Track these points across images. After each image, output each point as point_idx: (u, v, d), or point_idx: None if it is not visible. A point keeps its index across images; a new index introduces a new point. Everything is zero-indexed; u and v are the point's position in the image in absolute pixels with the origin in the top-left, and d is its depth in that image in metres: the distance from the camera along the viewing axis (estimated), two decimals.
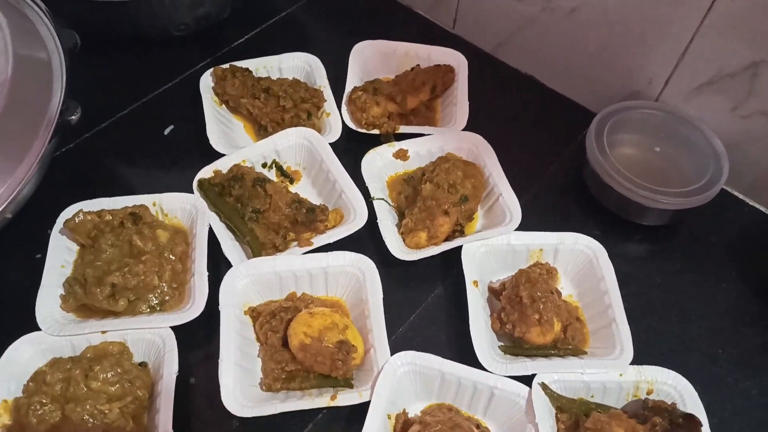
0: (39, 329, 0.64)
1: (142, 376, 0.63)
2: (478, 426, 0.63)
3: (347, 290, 0.71)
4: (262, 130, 0.86)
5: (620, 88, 0.87)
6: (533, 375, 0.64)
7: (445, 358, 0.64)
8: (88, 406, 0.60)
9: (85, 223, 0.70)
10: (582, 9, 0.85)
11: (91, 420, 0.60)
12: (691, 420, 0.61)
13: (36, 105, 0.68)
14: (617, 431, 0.59)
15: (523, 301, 0.67)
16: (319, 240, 0.73)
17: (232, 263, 0.71)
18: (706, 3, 0.73)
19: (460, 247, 0.73)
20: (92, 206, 0.73)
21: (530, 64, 0.96)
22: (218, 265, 0.72)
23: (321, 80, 0.89)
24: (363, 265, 0.70)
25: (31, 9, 0.74)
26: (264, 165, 0.81)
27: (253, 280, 0.70)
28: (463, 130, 0.84)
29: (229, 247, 0.73)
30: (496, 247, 0.74)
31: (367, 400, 0.62)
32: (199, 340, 0.67)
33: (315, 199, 0.79)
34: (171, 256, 0.71)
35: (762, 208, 0.83)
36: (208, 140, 0.81)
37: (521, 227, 0.74)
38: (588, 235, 0.74)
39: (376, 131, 0.84)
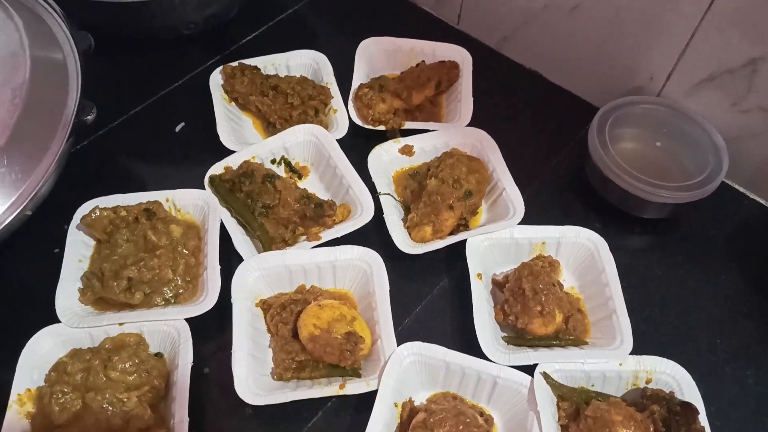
0: (58, 321, 0.66)
1: (159, 366, 0.64)
2: (481, 414, 0.64)
3: (355, 283, 0.72)
4: (270, 127, 0.86)
5: (622, 84, 0.88)
6: (535, 365, 0.65)
7: (449, 348, 0.65)
8: (107, 395, 0.61)
9: (101, 219, 0.71)
10: (584, 5, 0.85)
11: (111, 408, 0.61)
12: (689, 408, 0.62)
13: (53, 106, 0.69)
14: (616, 419, 0.60)
15: (526, 293, 0.68)
16: (327, 234, 0.74)
17: (243, 257, 0.72)
18: (706, 1, 0.74)
19: (464, 241, 0.74)
20: (107, 202, 0.74)
21: (534, 59, 0.96)
22: (230, 259, 0.73)
23: (328, 77, 0.90)
24: (370, 259, 0.71)
25: (46, 12, 0.75)
26: (273, 161, 0.82)
27: (263, 274, 0.71)
28: (468, 125, 0.84)
29: (240, 241, 0.74)
30: (499, 240, 0.74)
31: (374, 389, 0.63)
32: (212, 332, 0.68)
33: (323, 195, 0.80)
34: (184, 251, 0.72)
35: (761, 201, 0.84)
36: (218, 137, 0.81)
37: (524, 221, 0.74)
38: (589, 228, 0.74)
39: (382, 127, 0.85)
